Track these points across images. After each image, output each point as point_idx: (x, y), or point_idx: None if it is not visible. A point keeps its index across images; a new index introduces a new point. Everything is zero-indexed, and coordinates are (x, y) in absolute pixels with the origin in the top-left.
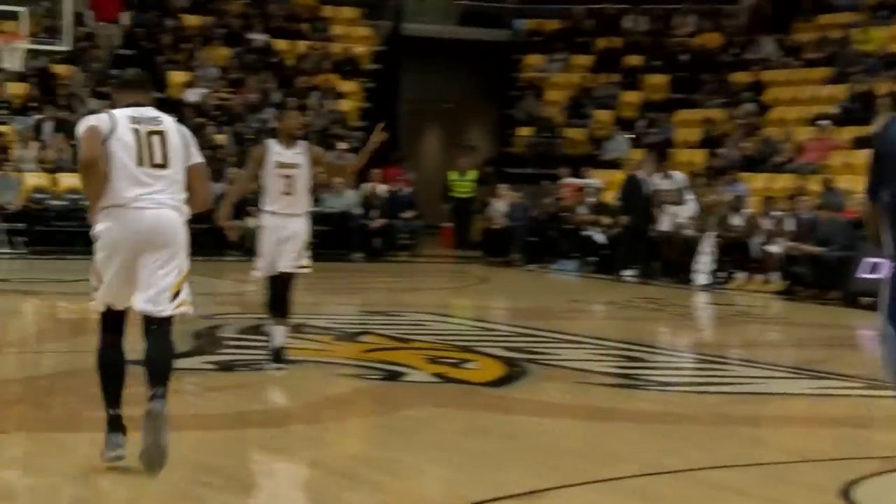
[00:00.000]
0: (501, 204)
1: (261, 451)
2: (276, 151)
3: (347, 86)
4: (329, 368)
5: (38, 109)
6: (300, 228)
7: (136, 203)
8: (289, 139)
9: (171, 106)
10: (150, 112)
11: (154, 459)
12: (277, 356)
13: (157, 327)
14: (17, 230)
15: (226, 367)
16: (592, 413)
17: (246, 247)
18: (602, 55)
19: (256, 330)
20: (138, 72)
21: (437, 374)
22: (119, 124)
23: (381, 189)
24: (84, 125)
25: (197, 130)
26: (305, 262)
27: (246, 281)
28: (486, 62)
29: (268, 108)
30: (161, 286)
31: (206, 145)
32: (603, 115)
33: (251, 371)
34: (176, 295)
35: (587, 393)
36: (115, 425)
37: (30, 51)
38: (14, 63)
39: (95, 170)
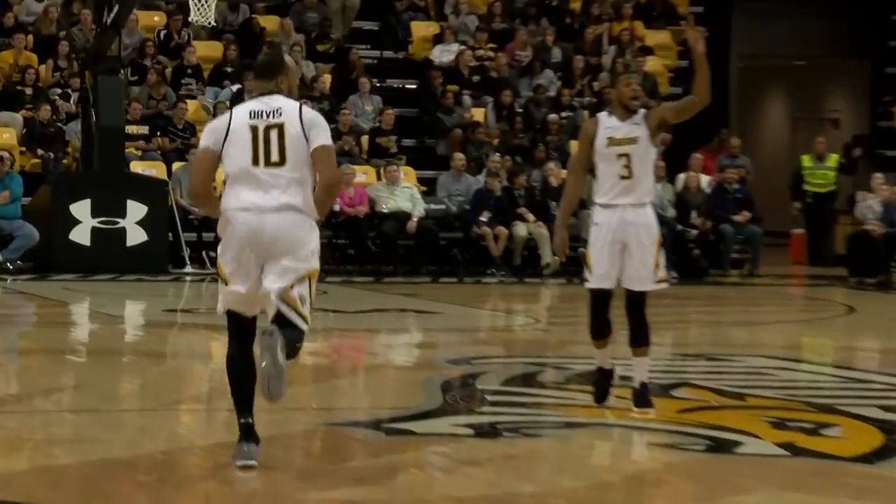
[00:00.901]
0: (875, 201)
1: None
2: (608, 126)
3: (656, 37)
4: (630, 435)
5: (237, 77)
6: (646, 224)
7: (252, 206)
8: (624, 110)
9: (413, 69)
10: (276, 102)
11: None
12: (601, 381)
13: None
14: (206, 242)
15: (487, 431)
16: None
17: (513, 265)
18: None
19: (529, 380)
20: (267, 58)
21: (785, 444)
22: (235, 124)
23: (703, 181)
24: (202, 139)
25: (443, 100)
26: (662, 273)
27: (513, 311)
28: (854, 1)
29: (545, 71)
30: (284, 300)
31: (458, 122)
32: None
33: (522, 437)
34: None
35: None
36: (247, 434)
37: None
38: (205, 16)
39: (205, 201)
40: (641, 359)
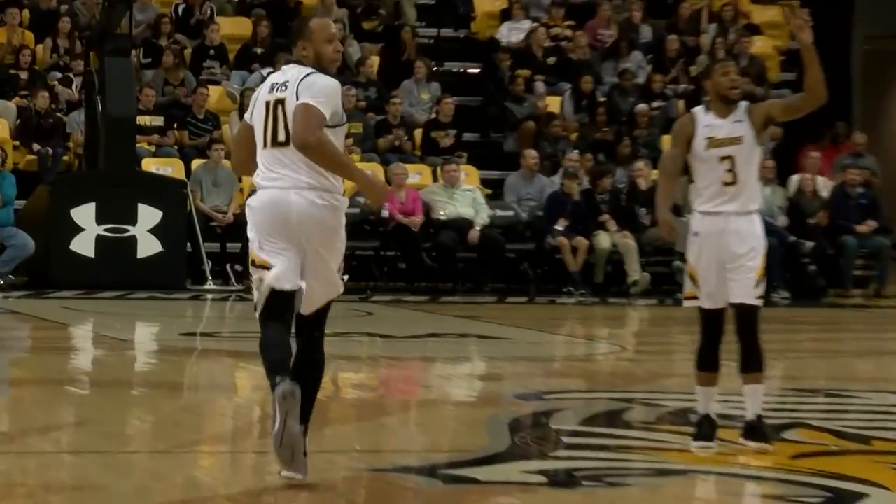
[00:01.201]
0: None
1: None
2: (706, 125)
3: (764, 14)
4: (733, 484)
5: (267, 59)
6: (753, 234)
7: (273, 185)
8: (724, 104)
9: (477, 50)
10: (289, 73)
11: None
12: (706, 428)
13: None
14: (230, 253)
15: (563, 479)
16: None
17: (595, 282)
18: None
19: (613, 418)
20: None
21: None
22: (259, 97)
23: (821, 184)
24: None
25: (511, 88)
26: (762, 289)
27: (594, 337)
28: None
29: (632, 54)
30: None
31: (529, 113)
32: None
33: (605, 486)
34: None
35: None
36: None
37: None
38: None
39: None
40: (755, 387)
